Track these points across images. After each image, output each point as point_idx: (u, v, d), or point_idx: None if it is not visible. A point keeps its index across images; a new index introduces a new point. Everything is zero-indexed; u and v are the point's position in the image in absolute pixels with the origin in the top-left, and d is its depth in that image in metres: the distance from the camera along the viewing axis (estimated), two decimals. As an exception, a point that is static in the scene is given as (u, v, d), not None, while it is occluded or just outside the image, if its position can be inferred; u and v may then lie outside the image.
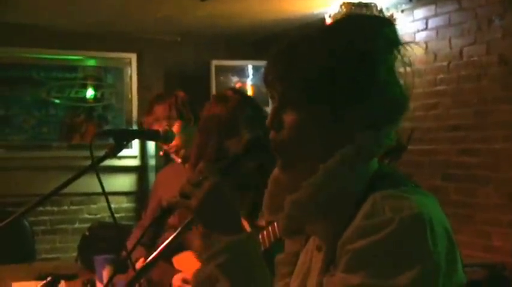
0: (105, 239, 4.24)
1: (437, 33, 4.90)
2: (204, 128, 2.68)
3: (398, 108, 1.34)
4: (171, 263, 2.68)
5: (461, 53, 4.70)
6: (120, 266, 3.08)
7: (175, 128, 3.18)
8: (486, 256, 4.37)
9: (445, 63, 4.81)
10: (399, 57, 1.34)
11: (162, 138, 2.83)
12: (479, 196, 4.51)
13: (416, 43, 4.95)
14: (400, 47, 1.34)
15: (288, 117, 1.34)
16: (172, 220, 2.39)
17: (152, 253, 1.39)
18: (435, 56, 4.88)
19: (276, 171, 1.42)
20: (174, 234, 1.39)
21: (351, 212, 1.27)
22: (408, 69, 1.34)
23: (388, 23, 1.38)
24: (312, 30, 1.39)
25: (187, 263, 2.60)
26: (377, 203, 1.22)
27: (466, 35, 4.66)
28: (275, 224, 2.28)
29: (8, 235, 5.36)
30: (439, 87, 4.80)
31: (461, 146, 4.66)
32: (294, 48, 1.35)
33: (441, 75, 4.82)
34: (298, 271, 1.48)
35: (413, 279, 1.13)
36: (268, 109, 1.45)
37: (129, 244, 2.92)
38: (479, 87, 4.56)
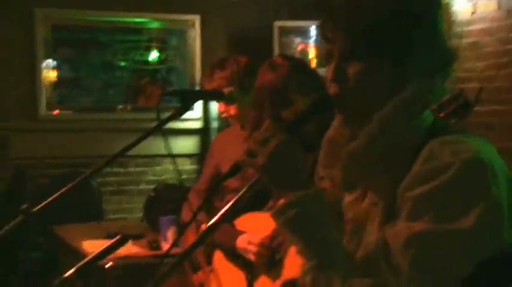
0: (169, 201, 4.29)
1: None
2: (257, 100, 2.72)
3: (448, 58, 1.37)
4: (234, 225, 2.69)
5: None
6: (185, 227, 3.14)
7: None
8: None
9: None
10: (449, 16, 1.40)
11: (227, 99, 2.83)
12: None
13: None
14: (448, 8, 1.40)
15: (352, 69, 1.34)
16: (234, 182, 2.42)
17: (212, 217, 1.38)
18: (508, 12, 4.74)
19: (330, 131, 1.45)
20: (237, 197, 1.38)
21: (408, 162, 1.27)
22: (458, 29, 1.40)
23: None
24: None
25: (251, 224, 2.61)
26: (435, 149, 1.24)
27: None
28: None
29: (77, 195, 5.46)
30: (511, 46, 4.69)
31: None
32: (353, 1, 1.35)
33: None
34: (351, 227, 1.47)
35: (477, 220, 1.15)
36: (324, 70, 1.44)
37: (194, 205, 2.96)
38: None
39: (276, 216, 1.31)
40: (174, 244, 1.89)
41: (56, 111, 6.21)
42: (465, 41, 4.82)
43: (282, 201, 1.31)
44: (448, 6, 1.27)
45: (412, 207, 1.21)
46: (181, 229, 3.43)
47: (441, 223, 1.16)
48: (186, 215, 3.23)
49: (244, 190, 1.40)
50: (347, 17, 1.34)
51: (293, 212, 1.28)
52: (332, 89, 1.37)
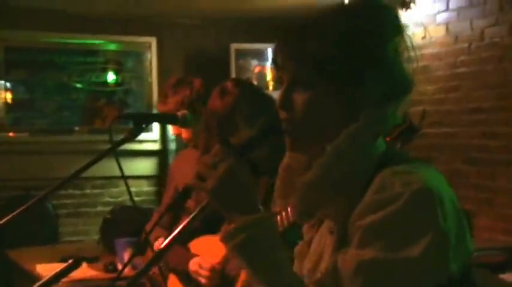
0: (126, 222, 4.28)
1: (458, 14, 4.86)
2: (206, 125, 2.73)
3: (402, 87, 1.36)
4: (188, 248, 2.69)
5: (482, 34, 4.67)
6: (140, 248, 3.12)
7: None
8: (506, 239, 4.38)
9: (465, 45, 4.79)
10: (406, 42, 1.37)
11: (180, 122, 2.85)
12: (499, 179, 4.50)
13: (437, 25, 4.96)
14: (405, 33, 1.37)
15: (299, 97, 1.34)
16: (190, 203, 2.42)
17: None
18: (456, 37, 4.85)
19: (286, 158, 1.44)
20: (189, 218, 1.37)
21: (361, 192, 1.27)
22: (412, 54, 1.36)
23: (394, 11, 1.40)
24: (322, 11, 1.41)
25: (204, 248, 2.61)
26: (386, 179, 1.24)
27: (488, 16, 4.63)
28: (288, 209, 2.30)
29: (31, 218, 5.44)
30: (459, 70, 4.79)
31: (483, 129, 4.65)
32: (304, 28, 1.37)
33: (462, 57, 4.80)
34: (311, 255, 1.47)
35: (425, 249, 1.15)
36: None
37: (148, 227, 2.95)
38: (501, 68, 4.54)
39: (225, 241, 1.28)
40: (126, 265, 1.89)
41: (10, 134, 6.16)
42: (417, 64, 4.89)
43: (231, 225, 1.28)
44: (405, 32, 1.27)
45: (362, 235, 1.21)
46: (136, 251, 3.41)
47: (390, 251, 1.17)
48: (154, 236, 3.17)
49: (195, 212, 1.38)
50: (297, 47, 1.35)
51: (242, 237, 1.25)
52: (281, 115, 1.38)
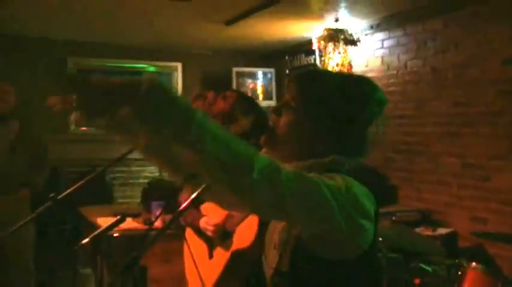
0: (159, 191, 4.30)
1: (389, 50, 4.89)
2: (214, 119, 2.71)
3: (362, 151, 1.32)
4: (199, 210, 2.64)
5: (405, 64, 4.71)
6: (167, 209, 3.11)
7: None
8: (419, 204, 4.43)
9: (394, 72, 4.82)
10: (381, 115, 1.32)
11: None
12: (416, 164, 4.56)
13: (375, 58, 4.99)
14: (383, 110, 1.33)
15: (287, 115, 1.32)
16: None
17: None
18: (388, 66, 4.89)
19: (262, 151, 1.36)
20: (200, 189, 1.25)
21: None
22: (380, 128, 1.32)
23: (380, 90, 1.35)
24: (330, 72, 1.36)
25: (210, 210, 2.56)
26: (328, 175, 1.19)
27: (409, 52, 4.67)
28: None
29: (95, 185, 5.47)
30: (390, 88, 4.81)
31: (405, 129, 4.69)
32: (315, 75, 1.35)
33: (392, 80, 4.84)
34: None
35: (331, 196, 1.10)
36: (271, 103, 1.42)
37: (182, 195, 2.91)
38: (417, 88, 4.58)
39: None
40: (156, 219, 1.85)
41: (82, 128, 6.16)
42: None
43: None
44: (383, 108, 1.18)
45: None
46: (165, 211, 3.37)
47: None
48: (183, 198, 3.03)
49: (203, 186, 1.28)
50: (301, 87, 1.32)
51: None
52: (271, 117, 1.35)
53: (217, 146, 0.97)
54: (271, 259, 1.35)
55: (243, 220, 2.38)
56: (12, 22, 5.11)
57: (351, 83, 1.32)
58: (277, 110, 1.34)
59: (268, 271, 1.35)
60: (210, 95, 3.41)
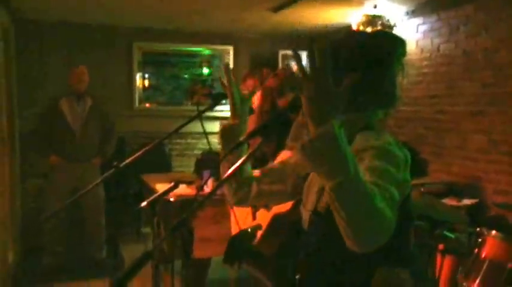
0: (210, 161, 4.36)
1: (423, 35, 4.77)
2: (263, 93, 2.71)
3: (390, 103, 1.31)
4: None
5: (438, 48, 4.59)
6: (217, 176, 3.14)
7: (259, 94, 3.02)
8: (447, 177, 4.37)
9: (428, 55, 4.72)
10: (404, 67, 1.29)
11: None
12: (446, 140, 4.48)
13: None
14: (404, 60, 1.30)
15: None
16: (253, 143, 2.40)
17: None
18: (422, 50, 4.78)
19: (299, 117, 1.37)
20: (245, 156, 1.29)
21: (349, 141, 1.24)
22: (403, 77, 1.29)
23: (402, 42, 1.32)
24: (350, 34, 1.37)
25: None
26: (367, 137, 1.23)
27: (442, 36, 4.54)
28: None
29: (155, 155, 5.65)
30: (423, 70, 4.73)
31: (437, 108, 4.60)
32: (340, 40, 1.32)
33: (425, 62, 4.73)
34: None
35: (393, 169, 1.15)
36: None
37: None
38: (449, 70, 4.47)
39: (314, 142, 0.97)
40: (203, 185, 1.86)
41: (147, 105, 6.32)
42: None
43: (313, 133, 0.98)
44: (404, 58, 1.17)
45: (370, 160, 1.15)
46: (215, 177, 3.40)
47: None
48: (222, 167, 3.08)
49: (250, 151, 1.32)
50: (339, 49, 1.27)
51: (332, 140, 0.96)
52: None
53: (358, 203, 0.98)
54: (309, 205, 1.35)
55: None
56: (83, 12, 5.27)
57: (370, 42, 1.30)
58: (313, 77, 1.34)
59: (306, 215, 1.35)
60: (265, 70, 3.42)
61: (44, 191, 4.95)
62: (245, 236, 1.71)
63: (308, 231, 1.34)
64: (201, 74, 6.56)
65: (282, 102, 2.55)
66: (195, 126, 2.08)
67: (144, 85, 6.31)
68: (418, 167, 4.52)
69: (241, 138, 1.42)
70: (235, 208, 2.65)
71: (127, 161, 1.95)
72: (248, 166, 1.55)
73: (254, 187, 1.53)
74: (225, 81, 1.51)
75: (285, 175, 1.52)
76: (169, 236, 1.23)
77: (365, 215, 0.97)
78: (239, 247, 1.65)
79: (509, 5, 3.82)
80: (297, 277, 1.31)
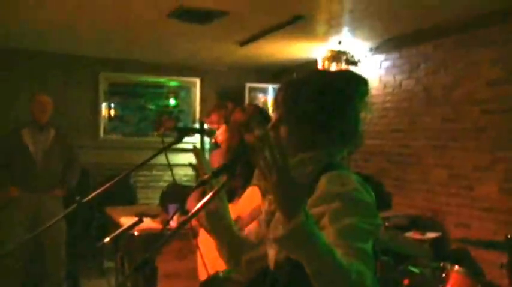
0: (176, 194, 4.30)
1: (386, 71, 4.90)
2: (231, 128, 2.71)
3: (353, 142, 1.30)
4: None
5: (400, 84, 4.72)
6: (185, 212, 3.10)
7: (223, 129, 3.08)
8: (410, 210, 4.42)
9: (390, 90, 4.83)
10: (366, 106, 1.28)
11: (207, 134, 2.83)
12: (409, 174, 4.55)
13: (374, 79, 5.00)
14: (367, 99, 1.29)
15: (282, 128, 1.30)
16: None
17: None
18: (385, 85, 4.89)
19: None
20: (213, 191, 1.26)
21: (309, 185, 1.23)
22: (367, 114, 1.29)
23: (365, 82, 1.31)
24: (310, 75, 1.34)
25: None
26: (331, 177, 1.20)
27: (404, 73, 4.67)
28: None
29: (120, 187, 5.52)
30: (386, 105, 4.83)
31: (399, 142, 4.69)
32: (296, 85, 1.31)
33: (388, 98, 4.84)
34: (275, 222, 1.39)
35: (363, 220, 1.13)
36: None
37: (190, 199, 2.91)
38: (411, 105, 4.58)
39: (287, 238, 0.99)
40: (170, 219, 1.83)
41: (112, 136, 6.23)
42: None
43: (284, 227, 0.99)
44: (367, 99, 1.18)
45: (329, 218, 1.12)
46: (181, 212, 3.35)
47: (347, 220, 1.12)
48: (189, 203, 2.96)
49: (216, 189, 1.28)
50: (286, 98, 1.30)
51: (304, 234, 0.98)
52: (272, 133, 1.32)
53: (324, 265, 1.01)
54: (271, 253, 1.33)
55: (251, 221, 2.39)
56: (47, 41, 5.20)
57: (333, 82, 1.29)
58: (273, 127, 1.33)
59: (271, 254, 1.33)
60: (230, 104, 3.42)
61: (1, 223, 4.75)
62: (216, 281, 1.67)
63: (274, 272, 1.31)
64: (168, 105, 6.53)
65: (249, 138, 2.53)
66: (160, 158, 2.06)
67: (109, 115, 6.23)
68: (382, 200, 4.57)
69: (205, 177, 1.40)
70: (200, 241, 2.61)
71: (90, 196, 1.93)
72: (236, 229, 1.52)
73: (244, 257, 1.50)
74: (198, 166, 1.50)
75: (261, 235, 1.49)
76: (132, 275, 1.20)
77: None
78: None
79: (464, 44, 3.97)
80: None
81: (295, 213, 0.99)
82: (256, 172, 1.36)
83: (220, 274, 1.75)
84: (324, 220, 1.12)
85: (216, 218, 1.48)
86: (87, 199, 1.91)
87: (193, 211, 1.27)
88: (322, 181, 1.20)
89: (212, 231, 1.49)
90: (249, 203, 2.39)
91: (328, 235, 1.09)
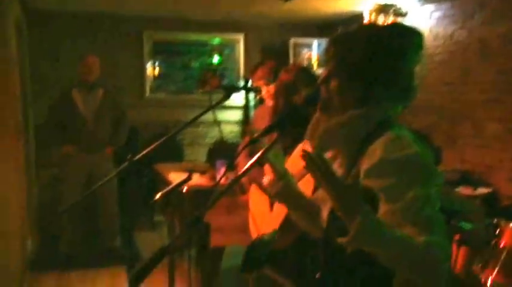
0: (222, 150, 4.33)
1: (436, 21, 4.67)
2: (277, 91, 2.66)
3: (408, 97, 1.27)
4: (263, 168, 2.64)
5: (452, 35, 4.50)
6: (232, 167, 3.13)
7: (270, 88, 3.05)
8: (461, 166, 4.30)
9: (441, 42, 4.62)
10: (420, 60, 1.25)
11: (252, 91, 2.78)
12: (460, 128, 4.41)
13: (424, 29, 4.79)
14: (422, 51, 1.25)
15: (333, 83, 1.27)
16: (265, 139, 2.38)
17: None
18: (435, 37, 4.68)
19: (317, 114, 1.34)
20: (263, 150, 1.32)
21: (360, 143, 1.22)
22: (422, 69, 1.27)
23: (419, 35, 1.27)
24: (363, 27, 1.31)
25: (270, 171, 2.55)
26: (390, 141, 1.17)
27: (456, 23, 4.44)
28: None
29: (168, 146, 5.61)
30: (437, 58, 4.63)
31: (451, 96, 4.52)
32: (349, 38, 1.27)
33: (439, 49, 4.63)
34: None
35: (423, 191, 1.14)
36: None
37: (240, 158, 2.90)
38: (463, 57, 4.38)
39: (356, 239, 1.05)
40: (222, 177, 1.87)
41: (157, 94, 6.27)
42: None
43: (353, 228, 1.04)
44: (421, 50, 1.27)
45: (385, 195, 1.14)
46: (228, 168, 3.37)
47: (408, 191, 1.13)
48: (240, 161, 3.02)
49: (267, 146, 1.34)
50: (338, 50, 1.27)
51: (366, 235, 1.05)
52: (321, 89, 1.31)
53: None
54: (324, 214, 1.34)
55: (300, 179, 2.39)
56: (92, 2, 5.23)
57: (385, 36, 1.25)
58: (324, 81, 1.31)
59: (324, 212, 1.34)
60: (271, 63, 3.38)
61: (59, 180, 4.96)
62: (262, 244, 1.69)
63: (327, 229, 1.30)
64: (212, 63, 6.49)
65: (296, 99, 2.50)
66: (206, 116, 2.08)
67: (154, 74, 6.26)
68: (433, 155, 4.45)
69: (255, 135, 1.42)
70: (251, 198, 2.64)
71: (141, 154, 1.98)
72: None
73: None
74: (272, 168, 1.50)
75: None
76: (186, 232, 1.23)
77: (425, 273, 1.08)
78: (256, 256, 1.64)
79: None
80: (317, 276, 1.28)
81: (353, 216, 1.05)
82: (308, 129, 1.34)
83: (265, 237, 1.77)
84: (385, 194, 1.13)
85: (284, 196, 1.49)
86: (137, 157, 1.96)
87: (243, 169, 1.30)
88: (379, 145, 1.17)
89: (285, 205, 1.49)
90: (298, 161, 2.38)
91: (394, 212, 1.12)
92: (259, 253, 1.69)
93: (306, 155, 1.11)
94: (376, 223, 1.06)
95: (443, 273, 1.09)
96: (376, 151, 1.17)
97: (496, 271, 2.51)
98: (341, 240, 1.06)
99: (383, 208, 1.14)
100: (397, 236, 1.07)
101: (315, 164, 1.09)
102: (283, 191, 1.43)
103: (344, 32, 1.29)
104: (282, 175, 1.44)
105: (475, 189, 3.70)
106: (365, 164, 1.18)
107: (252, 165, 1.30)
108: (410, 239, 1.08)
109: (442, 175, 1.19)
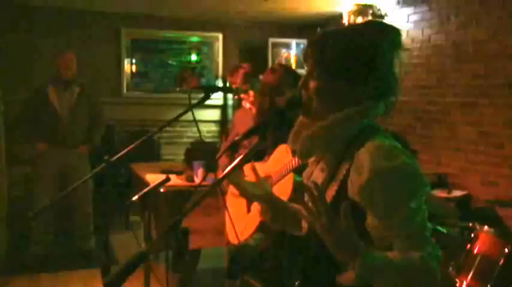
0: (200, 151, 4.30)
1: (414, 25, 4.71)
2: (261, 91, 2.66)
3: (388, 94, 1.25)
4: (242, 171, 2.62)
5: (429, 39, 4.54)
6: (210, 168, 3.10)
7: (251, 94, 3.00)
8: (437, 168, 4.35)
9: (418, 45, 4.66)
10: (399, 56, 1.24)
11: (234, 92, 2.77)
12: (436, 131, 4.45)
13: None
14: (400, 49, 1.24)
15: (312, 83, 1.25)
16: (246, 142, 2.36)
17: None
18: (412, 40, 4.72)
19: (300, 118, 1.33)
20: (245, 152, 1.31)
21: (344, 147, 1.21)
22: (400, 69, 1.25)
23: (396, 31, 1.26)
24: (340, 28, 1.29)
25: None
26: (375, 151, 1.15)
27: (432, 27, 4.49)
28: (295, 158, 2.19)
29: (145, 145, 5.54)
30: (414, 61, 4.67)
31: (427, 99, 4.56)
32: (325, 39, 1.25)
33: (416, 53, 4.67)
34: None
35: (416, 205, 1.15)
36: (303, 71, 1.35)
37: (218, 156, 2.88)
38: (439, 61, 4.43)
39: (358, 280, 1.06)
40: (202, 180, 1.87)
41: (134, 92, 6.19)
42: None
43: (351, 273, 1.06)
44: (400, 48, 1.25)
45: (379, 210, 1.13)
46: (207, 170, 3.35)
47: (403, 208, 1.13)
48: (222, 161, 2.99)
49: (250, 148, 1.33)
50: (317, 51, 1.25)
51: (368, 272, 1.06)
52: (302, 93, 1.29)
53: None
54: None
55: (278, 180, 2.38)
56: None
57: (360, 32, 1.24)
58: (304, 84, 1.29)
59: (304, 226, 1.34)
60: (246, 65, 3.37)
61: (31, 178, 4.84)
62: (246, 249, 1.67)
63: (307, 236, 1.28)
64: (190, 61, 6.43)
65: (280, 100, 2.49)
66: (184, 115, 2.03)
67: (132, 72, 6.17)
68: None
69: (236, 139, 1.39)
70: (228, 199, 2.62)
71: (117, 155, 1.96)
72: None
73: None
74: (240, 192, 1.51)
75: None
76: (163, 237, 1.21)
77: (423, 285, 1.12)
78: (241, 261, 1.61)
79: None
80: (296, 284, 1.26)
81: (353, 259, 1.06)
82: (291, 134, 1.32)
83: (252, 241, 1.76)
84: (379, 210, 1.13)
85: (276, 219, 1.50)
86: (114, 158, 1.93)
87: (224, 173, 1.29)
88: (366, 156, 1.14)
89: (276, 223, 1.50)
90: (278, 162, 2.38)
91: (388, 227, 1.12)
92: (244, 259, 1.67)
93: (307, 208, 1.11)
94: (375, 259, 1.07)
95: (438, 279, 1.12)
96: (364, 163, 1.14)
97: (470, 276, 2.53)
98: (342, 280, 1.07)
99: (376, 222, 1.13)
100: (396, 264, 1.09)
101: (313, 216, 1.09)
102: (274, 215, 1.44)
103: (321, 33, 1.28)
104: (250, 196, 1.46)
105: (449, 192, 3.74)
106: (353, 177, 1.15)
107: (231, 170, 1.28)
108: (408, 260, 1.09)
109: (429, 183, 1.18)
